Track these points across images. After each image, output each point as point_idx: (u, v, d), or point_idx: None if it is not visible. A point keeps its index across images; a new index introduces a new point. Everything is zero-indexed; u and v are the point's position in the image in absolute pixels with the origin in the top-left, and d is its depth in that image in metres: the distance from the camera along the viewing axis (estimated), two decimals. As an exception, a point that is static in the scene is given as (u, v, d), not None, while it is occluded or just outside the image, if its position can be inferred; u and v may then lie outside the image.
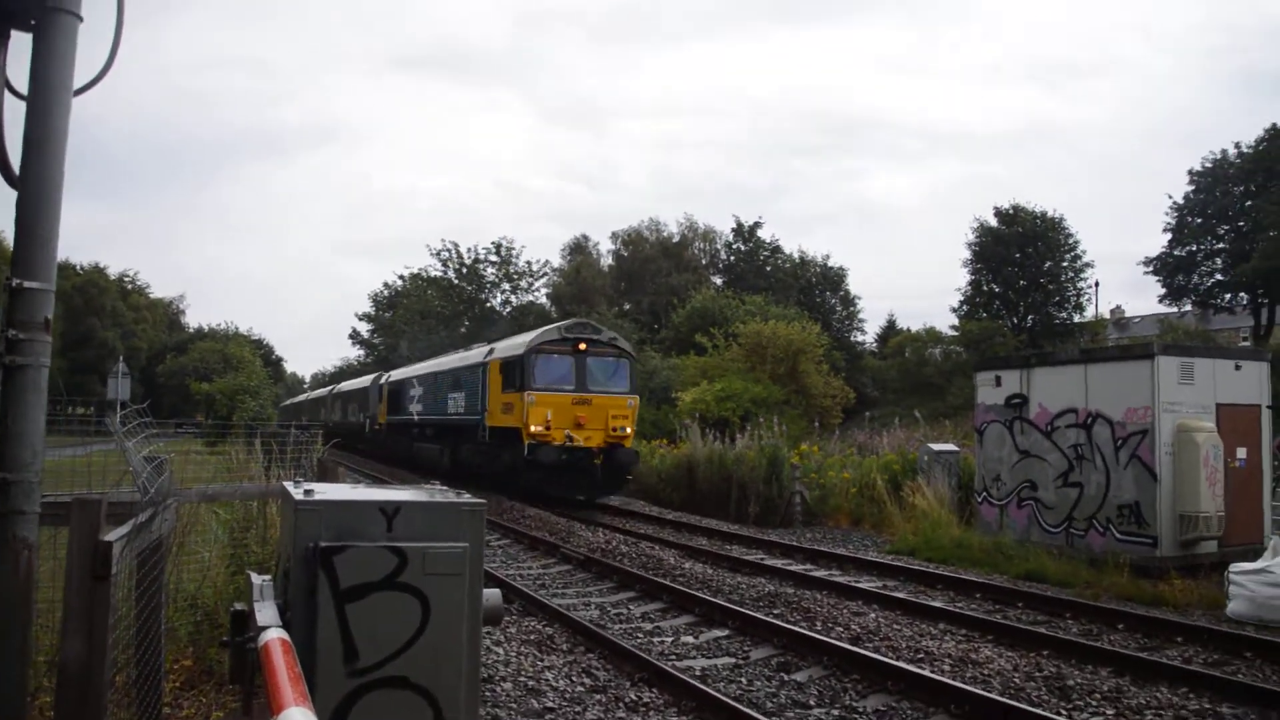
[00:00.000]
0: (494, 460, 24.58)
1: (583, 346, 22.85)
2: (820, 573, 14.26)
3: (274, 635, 3.24)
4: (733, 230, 74.79)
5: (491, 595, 4.60)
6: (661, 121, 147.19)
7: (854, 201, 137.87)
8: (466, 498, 4.79)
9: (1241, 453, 14.87)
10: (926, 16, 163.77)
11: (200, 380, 54.26)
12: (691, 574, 13.83)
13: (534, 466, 21.69)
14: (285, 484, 5.00)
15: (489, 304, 79.11)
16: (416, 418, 34.25)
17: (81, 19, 4.56)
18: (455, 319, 77.99)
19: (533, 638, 10.00)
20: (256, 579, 4.35)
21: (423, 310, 78.07)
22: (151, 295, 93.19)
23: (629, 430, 22.74)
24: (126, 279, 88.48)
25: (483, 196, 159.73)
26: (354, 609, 4.14)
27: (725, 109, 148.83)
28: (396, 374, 41.09)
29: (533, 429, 21.69)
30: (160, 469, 5.57)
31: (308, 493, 4.47)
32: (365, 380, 50.49)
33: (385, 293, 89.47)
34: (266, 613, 3.88)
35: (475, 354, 27.99)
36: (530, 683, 8.29)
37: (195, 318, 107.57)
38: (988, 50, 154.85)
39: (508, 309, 77.98)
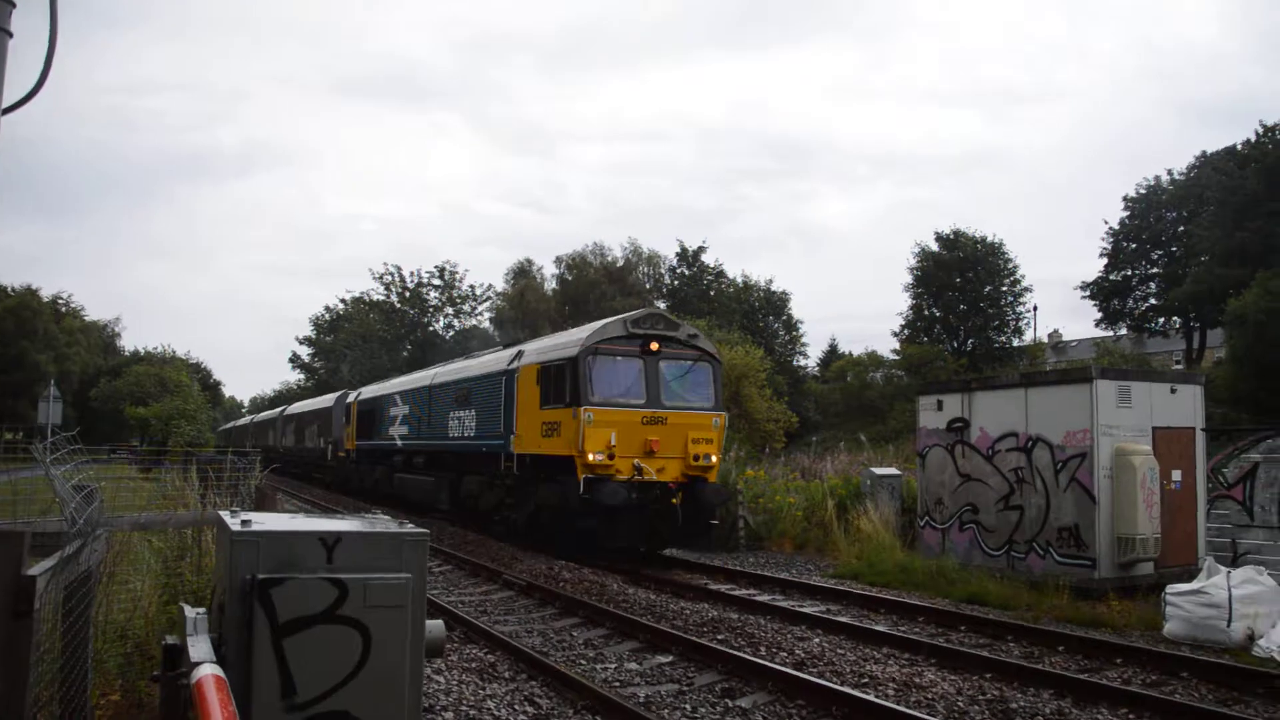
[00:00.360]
0: (525, 498, 19.11)
1: (655, 346, 17.42)
2: (764, 598, 14.23)
3: (207, 672, 3.14)
4: (677, 255, 75.15)
5: (434, 627, 4.51)
6: (608, 146, 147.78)
7: (798, 225, 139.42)
8: (409, 527, 4.71)
9: (1177, 475, 15.12)
10: (873, 44, 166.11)
11: (135, 404, 53.30)
12: (635, 600, 13.73)
13: (592, 509, 16.24)
14: (221, 513, 4.88)
15: (431, 328, 78.75)
16: (400, 443, 28.41)
17: (11, 34, 4.43)
18: (397, 343, 77.53)
19: (474, 666, 9.85)
20: (190, 612, 4.22)
21: (364, 334, 77.45)
22: (86, 318, 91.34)
23: (715, 459, 17.42)
24: (60, 301, 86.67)
25: (430, 221, 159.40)
26: (292, 643, 4.04)
27: (671, 134, 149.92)
28: (371, 390, 34.66)
29: (591, 458, 16.30)
30: (90, 498, 5.40)
31: (245, 523, 4.36)
32: (327, 399, 44.12)
33: (327, 316, 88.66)
34: (200, 648, 3.76)
35: (493, 359, 22.32)
36: (472, 712, 8.15)
37: (131, 341, 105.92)
38: (934, 77, 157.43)
39: (450, 333, 77.66)
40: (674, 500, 16.86)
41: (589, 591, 14.29)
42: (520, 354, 19.96)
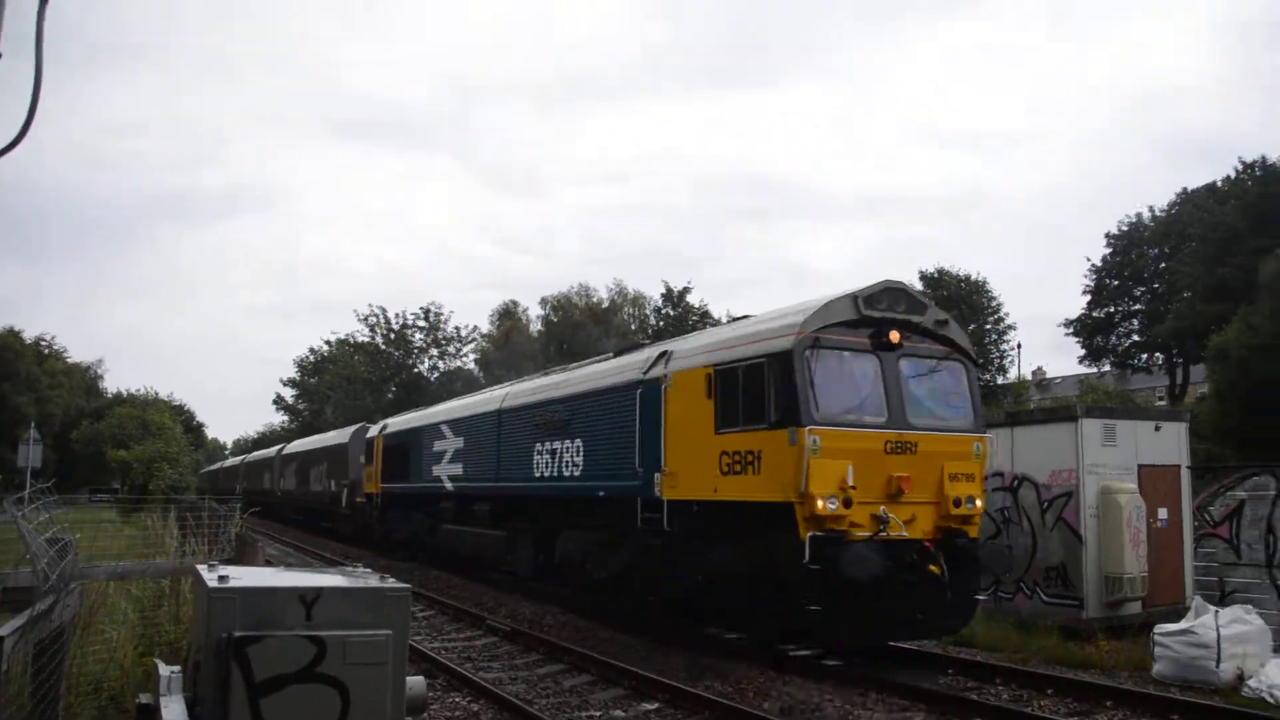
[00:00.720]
0: (681, 565, 13.31)
1: (895, 337, 12.11)
2: (746, 642, 14.03)
3: (180, 737, 3.07)
4: (662, 295, 75.16)
5: (415, 684, 4.43)
6: (594, 188, 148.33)
7: (782, 264, 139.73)
8: (391, 582, 4.63)
9: (1163, 513, 15.10)
10: (859, 83, 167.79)
11: (117, 447, 52.91)
12: (621, 645, 13.59)
13: (823, 585, 10.80)
14: (199, 567, 4.80)
15: (416, 369, 78.66)
16: (450, 485, 22.33)
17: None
18: (382, 384, 77.38)
19: (458, 715, 9.73)
20: (164, 670, 4.14)
21: (348, 375, 77.26)
22: (69, 360, 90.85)
23: (979, 503, 12.11)
24: (43, 343, 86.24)
25: (417, 262, 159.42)
26: (269, 703, 3.96)
27: (658, 174, 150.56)
28: (403, 421, 28.32)
29: (820, 505, 10.87)
30: (63, 551, 5.31)
31: (222, 579, 4.28)
32: (340, 434, 37.17)
33: (311, 358, 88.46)
34: (173, 709, 3.69)
35: (613, 367, 16.13)
36: (456, 765, 8.02)
37: (114, 383, 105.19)
38: (918, 116, 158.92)
39: (435, 374, 77.59)
40: (933, 568, 11.19)
41: (575, 637, 14.15)
42: (667, 355, 14.15)
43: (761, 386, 11.88)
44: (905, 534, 11.32)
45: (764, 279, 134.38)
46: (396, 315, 79.65)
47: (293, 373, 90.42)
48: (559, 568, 17.10)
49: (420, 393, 68.23)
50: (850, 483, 11.08)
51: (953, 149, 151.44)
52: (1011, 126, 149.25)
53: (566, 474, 16.31)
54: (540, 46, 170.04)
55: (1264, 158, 52.32)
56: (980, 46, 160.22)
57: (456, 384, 65.88)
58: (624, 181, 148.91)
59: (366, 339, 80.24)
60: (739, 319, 14.55)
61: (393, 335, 79.62)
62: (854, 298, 12.12)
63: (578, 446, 16.04)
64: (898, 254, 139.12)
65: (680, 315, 71.92)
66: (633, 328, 75.21)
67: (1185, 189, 59.86)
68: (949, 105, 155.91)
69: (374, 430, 30.46)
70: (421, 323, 79.80)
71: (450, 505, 22.65)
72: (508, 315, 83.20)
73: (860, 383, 12.04)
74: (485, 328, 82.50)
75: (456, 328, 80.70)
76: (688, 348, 14.04)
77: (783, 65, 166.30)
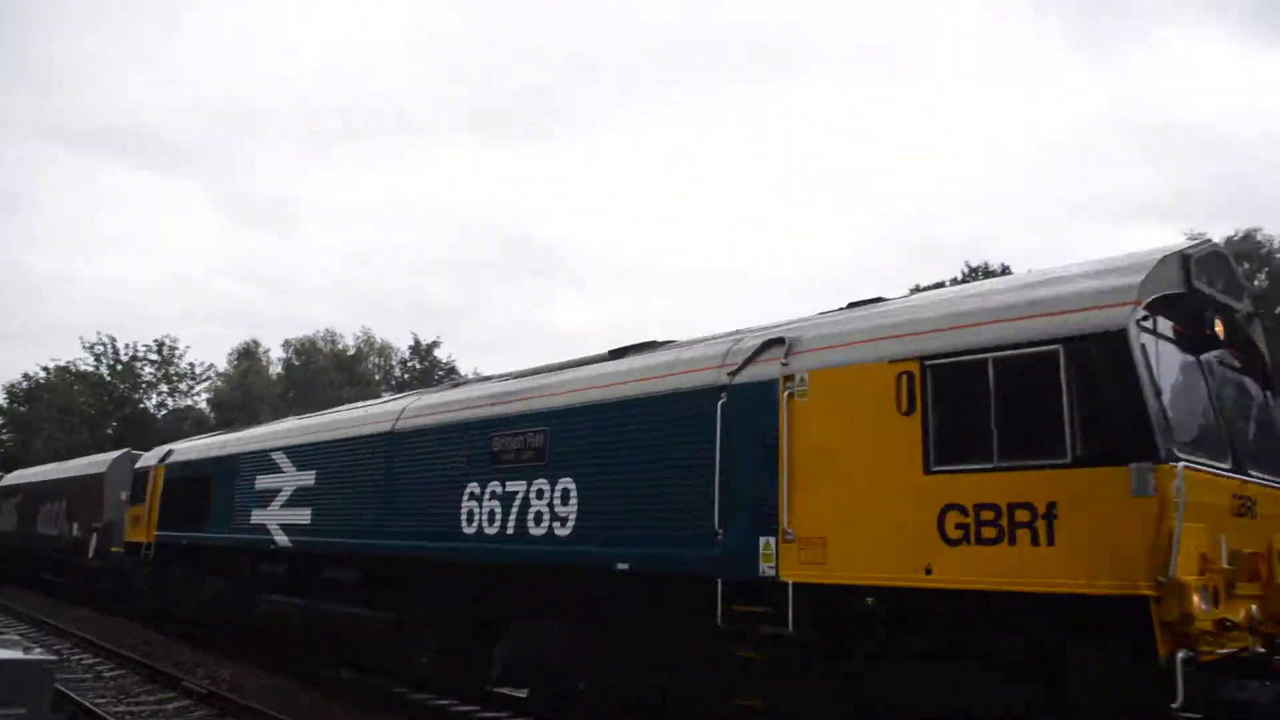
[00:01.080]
0: (807, 698, 8.24)
1: (1220, 330, 7.86)
2: (489, 714, 13.00)
3: None
4: (410, 348, 74.33)
5: (49, 768, 4.17)
6: (349, 230, 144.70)
7: (537, 327, 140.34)
8: (37, 653, 4.38)
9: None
10: (621, 151, 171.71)
11: None
12: (326, 713, 13.08)
13: None
14: None
15: (143, 405, 74.28)
16: (288, 539, 15.44)
17: None
18: (103, 418, 72.63)
19: (132, 789, 9.13)
20: None
21: (64, 406, 71.99)
22: None
23: None
24: None
25: (152, 290, 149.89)
26: None
27: (417, 223, 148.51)
28: (200, 446, 21.03)
29: (1195, 604, 6.16)
30: None
31: None
32: (95, 462, 29.82)
33: (24, 384, 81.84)
34: None
35: (659, 364, 10.22)
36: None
37: None
38: (669, 186, 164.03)
39: (163, 411, 73.51)
40: None
41: (280, 704, 13.47)
42: (784, 344, 8.84)
43: (1051, 392, 6.93)
44: (1258, 647, 6.74)
45: (519, 339, 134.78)
46: (126, 346, 75.15)
47: (1, 400, 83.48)
48: (510, 673, 11.75)
49: (147, 431, 64.43)
50: (1226, 562, 6.82)
51: (701, 223, 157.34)
52: (769, 208, 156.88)
53: (537, 532, 10.68)
54: (313, 81, 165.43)
55: (986, 263, 57.83)
56: (765, 122, 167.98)
57: (186, 424, 62.75)
58: (380, 228, 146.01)
59: (91, 368, 75.20)
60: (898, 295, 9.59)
61: (120, 367, 74.96)
62: (1184, 259, 7.62)
63: (564, 490, 10.49)
64: (644, 324, 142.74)
65: (427, 369, 71.30)
66: (377, 378, 74.00)
67: (918, 285, 64.85)
68: (707, 178, 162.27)
69: (149, 459, 23.15)
70: (153, 355, 75.61)
71: (282, 568, 15.92)
72: (247, 355, 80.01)
73: (1195, 397, 7.74)
74: (222, 366, 79.07)
75: (191, 364, 76.94)
76: (840, 331, 8.65)
77: (553, 128, 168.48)
